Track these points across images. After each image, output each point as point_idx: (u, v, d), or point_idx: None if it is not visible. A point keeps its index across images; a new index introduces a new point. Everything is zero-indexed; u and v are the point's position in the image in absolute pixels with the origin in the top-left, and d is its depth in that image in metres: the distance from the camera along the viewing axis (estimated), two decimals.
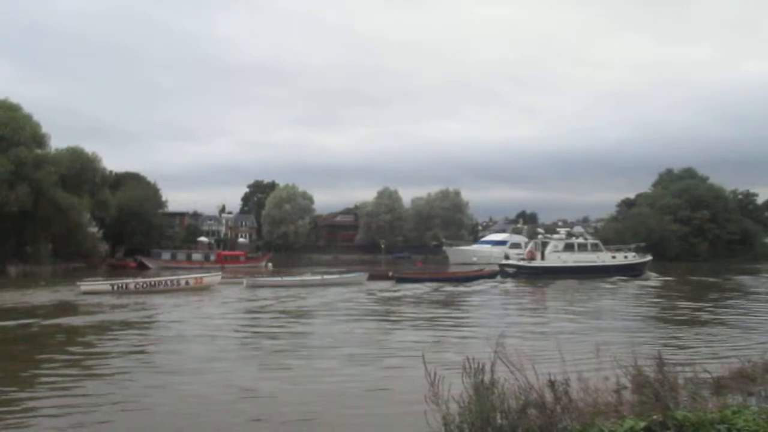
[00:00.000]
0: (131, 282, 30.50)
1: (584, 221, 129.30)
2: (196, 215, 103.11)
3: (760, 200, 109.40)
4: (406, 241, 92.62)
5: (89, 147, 69.69)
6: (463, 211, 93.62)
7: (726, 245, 76.64)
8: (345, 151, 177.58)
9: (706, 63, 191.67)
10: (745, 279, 41.62)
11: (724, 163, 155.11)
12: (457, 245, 73.98)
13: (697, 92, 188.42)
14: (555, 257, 40.80)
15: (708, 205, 78.60)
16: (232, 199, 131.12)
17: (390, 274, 38.46)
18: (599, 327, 18.51)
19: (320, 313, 22.32)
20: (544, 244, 42.21)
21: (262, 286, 32.82)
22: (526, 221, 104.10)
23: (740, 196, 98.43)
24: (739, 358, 9.51)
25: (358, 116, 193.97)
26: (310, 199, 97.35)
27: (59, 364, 12.90)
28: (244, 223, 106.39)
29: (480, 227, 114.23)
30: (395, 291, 31.30)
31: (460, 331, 18.18)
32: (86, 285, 29.76)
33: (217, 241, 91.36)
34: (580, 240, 43.71)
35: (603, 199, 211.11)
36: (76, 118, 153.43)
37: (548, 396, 6.28)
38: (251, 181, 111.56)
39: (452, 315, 22.60)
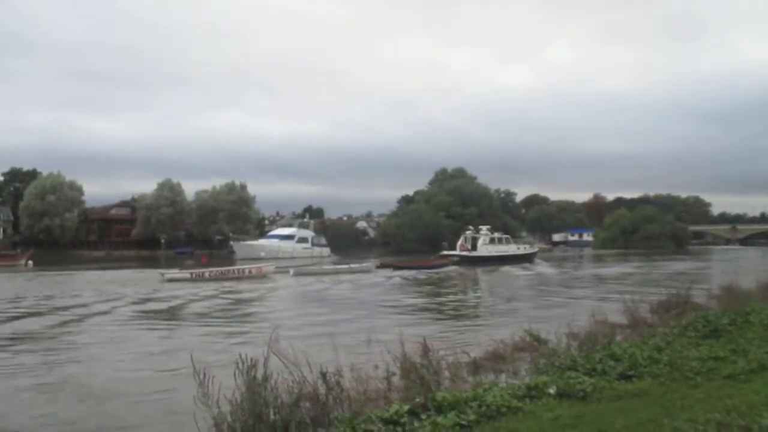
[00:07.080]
0: (206, 271, 36.81)
1: (368, 216, 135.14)
2: None
3: (518, 198, 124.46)
4: (190, 236, 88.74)
5: None
6: (249, 205, 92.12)
7: None
8: (122, 139, 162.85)
9: (477, 71, 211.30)
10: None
11: (491, 163, 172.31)
12: (244, 240, 72.73)
13: (468, 97, 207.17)
14: (485, 249, 51.14)
15: (476, 203, 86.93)
16: None
17: (379, 263, 45.74)
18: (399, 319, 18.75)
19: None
20: (474, 239, 52.08)
21: (306, 275, 38.17)
22: (313, 216, 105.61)
23: (502, 195, 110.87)
24: (494, 340, 10.52)
25: (135, 102, 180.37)
26: (80, 190, 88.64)
27: None
28: None
29: (267, 221, 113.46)
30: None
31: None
32: (170, 274, 34.75)
33: None
34: (498, 235, 54.28)
35: (386, 195, 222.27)
36: None
37: (321, 388, 6.36)
38: (7, 169, 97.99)
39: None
